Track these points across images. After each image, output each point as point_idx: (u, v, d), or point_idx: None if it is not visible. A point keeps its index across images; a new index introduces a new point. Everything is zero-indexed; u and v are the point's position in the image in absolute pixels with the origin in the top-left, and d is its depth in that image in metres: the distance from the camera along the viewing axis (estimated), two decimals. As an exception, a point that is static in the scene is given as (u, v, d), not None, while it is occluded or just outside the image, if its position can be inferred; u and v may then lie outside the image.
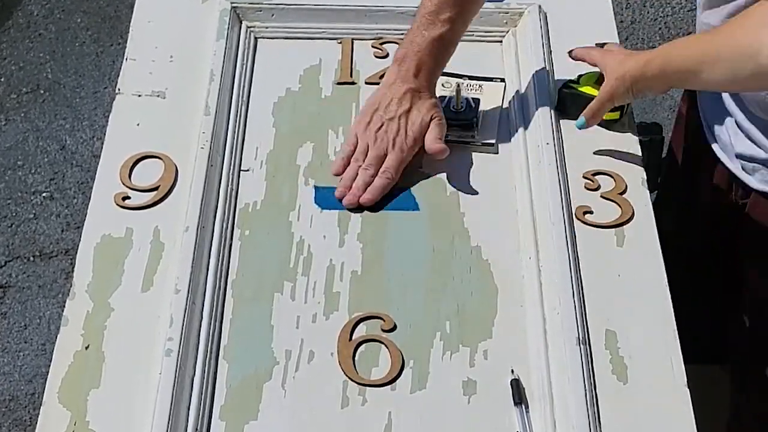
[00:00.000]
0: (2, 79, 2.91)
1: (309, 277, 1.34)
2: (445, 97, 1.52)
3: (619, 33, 1.69)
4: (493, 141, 1.50)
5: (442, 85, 1.56)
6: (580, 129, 1.44)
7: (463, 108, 1.51)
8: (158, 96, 1.56)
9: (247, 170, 1.47)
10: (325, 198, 1.43)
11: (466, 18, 1.48)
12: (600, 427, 1.18)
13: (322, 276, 1.35)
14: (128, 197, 1.42)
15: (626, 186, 1.43)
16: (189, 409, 1.19)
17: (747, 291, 1.59)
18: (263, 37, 1.67)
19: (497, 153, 1.50)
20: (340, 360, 1.26)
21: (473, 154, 1.49)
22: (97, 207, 1.41)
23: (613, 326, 1.28)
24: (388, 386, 1.24)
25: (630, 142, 1.49)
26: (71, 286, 1.32)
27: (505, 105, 1.56)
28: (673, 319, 1.29)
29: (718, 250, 1.63)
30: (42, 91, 2.87)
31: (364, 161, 1.43)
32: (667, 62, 1.33)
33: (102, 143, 1.51)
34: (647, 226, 1.39)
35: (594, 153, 1.48)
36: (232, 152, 1.47)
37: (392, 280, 1.35)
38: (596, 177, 1.44)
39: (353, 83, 1.60)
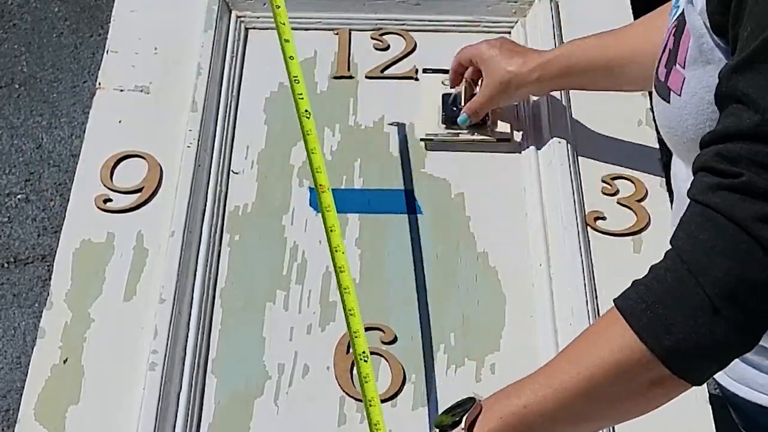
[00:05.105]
0: (-26, 73, 2.91)
1: (303, 286, 1.34)
2: (451, 93, 1.52)
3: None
4: (507, 131, 1.50)
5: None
6: (462, 124, 1.48)
7: (469, 104, 1.51)
8: (141, 91, 1.56)
9: (237, 173, 1.47)
10: (321, 200, 1.43)
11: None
12: (616, 447, 1.19)
13: (318, 284, 1.35)
14: (110, 199, 1.42)
15: (646, 192, 1.43)
16: (175, 427, 1.19)
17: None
18: (254, 28, 1.67)
19: (519, 153, 1.49)
20: (337, 374, 1.26)
21: (477, 153, 1.49)
22: (76, 210, 1.41)
23: (630, 338, 1.28)
24: (389, 402, 1.24)
25: (654, 145, 1.49)
26: (48, 294, 1.32)
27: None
28: (694, 330, 1.29)
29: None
30: (17, 86, 2.87)
31: None
32: (567, 70, 1.40)
33: (81, 142, 1.51)
34: (666, 233, 1.39)
35: (614, 155, 1.47)
36: (220, 151, 1.47)
37: (393, 288, 1.35)
38: (615, 181, 1.44)
39: (351, 77, 1.60)
